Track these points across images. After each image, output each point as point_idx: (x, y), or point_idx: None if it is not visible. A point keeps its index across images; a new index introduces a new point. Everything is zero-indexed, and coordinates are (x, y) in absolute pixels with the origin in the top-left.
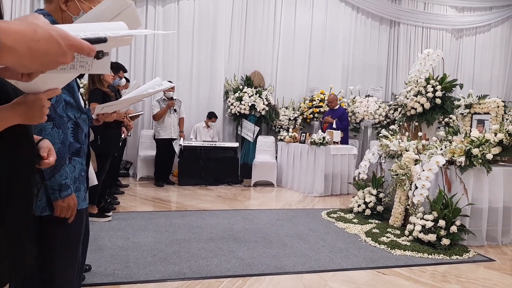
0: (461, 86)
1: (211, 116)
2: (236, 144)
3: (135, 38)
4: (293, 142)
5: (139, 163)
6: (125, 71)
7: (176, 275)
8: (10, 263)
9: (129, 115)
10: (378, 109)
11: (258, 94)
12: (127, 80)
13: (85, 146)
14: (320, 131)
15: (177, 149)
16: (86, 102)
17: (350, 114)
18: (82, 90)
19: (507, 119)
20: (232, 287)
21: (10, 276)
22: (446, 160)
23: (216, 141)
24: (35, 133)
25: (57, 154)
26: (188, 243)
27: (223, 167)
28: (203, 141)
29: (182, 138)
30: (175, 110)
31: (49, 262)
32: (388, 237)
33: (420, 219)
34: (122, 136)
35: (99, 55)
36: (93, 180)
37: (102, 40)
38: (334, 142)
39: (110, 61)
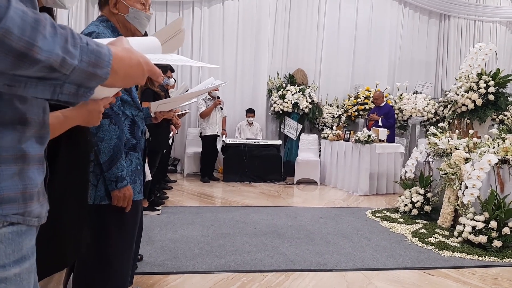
0: None
1: (248, 111)
2: (279, 142)
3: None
4: (337, 140)
5: (186, 159)
6: (172, 71)
7: (222, 268)
8: (73, 244)
9: (177, 114)
10: (426, 106)
11: (301, 92)
12: (174, 80)
13: (142, 142)
14: (365, 128)
15: (219, 146)
16: None
17: (397, 111)
18: None
19: None
20: (276, 282)
21: (74, 256)
22: (498, 159)
23: (259, 139)
24: (93, 130)
25: (114, 148)
26: (233, 237)
27: (266, 164)
28: (247, 138)
29: (224, 136)
30: (221, 108)
31: (107, 248)
32: (436, 238)
33: (471, 220)
34: (171, 134)
35: None
36: (148, 175)
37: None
38: (380, 140)
39: None
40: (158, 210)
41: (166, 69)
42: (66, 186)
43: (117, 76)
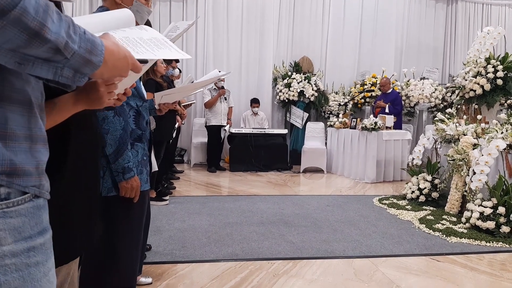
0: None
1: (253, 102)
2: (285, 131)
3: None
4: (343, 127)
5: (192, 150)
6: (177, 61)
7: (230, 256)
8: (82, 236)
9: (183, 104)
10: (434, 92)
11: (307, 80)
12: (179, 71)
13: (147, 133)
14: (372, 116)
15: (223, 134)
16: None
17: (404, 97)
18: None
19: None
20: (283, 269)
21: (83, 248)
22: (507, 144)
23: (265, 128)
24: (99, 122)
25: (119, 139)
26: (240, 226)
27: (272, 153)
28: (253, 128)
29: (229, 125)
30: (225, 98)
31: (115, 239)
32: (443, 224)
33: (478, 205)
34: (177, 124)
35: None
36: (154, 166)
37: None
38: (387, 127)
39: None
40: (166, 200)
41: (171, 59)
42: (76, 178)
43: (106, 67)
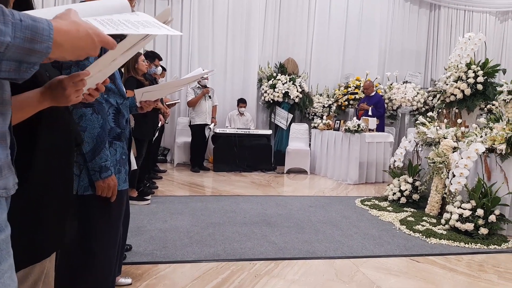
0: (504, 71)
1: (240, 102)
2: (269, 132)
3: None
4: (327, 129)
5: (176, 149)
6: (160, 59)
7: (211, 257)
8: (54, 235)
9: (167, 103)
10: (416, 96)
11: (291, 81)
12: (164, 69)
13: (126, 131)
14: (355, 118)
15: (207, 133)
16: None
17: (386, 101)
18: None
19: None
20: (265, 270)
21: (54, 247)
22: (486, 148)
23: (249, 129)
24: (76, 119)
25: (97, 138)
26: (223, 226)
27: (256, 154)
28: (237, 128)
29: (213, 124)
30: (209, 97)
31: (91, 239)
32: (423, 226)
33: (458, 207)
34: (160, 123)
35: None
36: (134, 164)
37: (123, 36)
38: (370, 130)
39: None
40: (147, 200)
41: (154, 57)
42: (48, 176)
43: (63, 49)
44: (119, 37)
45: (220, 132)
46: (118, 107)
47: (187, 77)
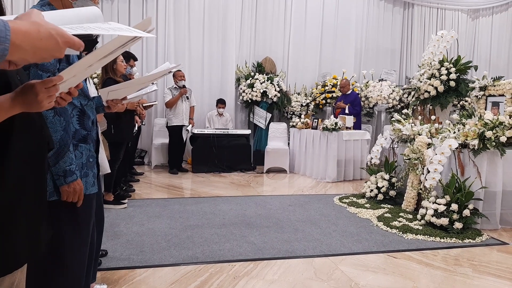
0: (476, 68)
1: (219, 102)
2: (248, 131)
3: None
4: (305, 128)
5: (153, 151)
6: (135, 59)
7: (190, 259)
8: (28, 244)
9: (143, 105)
10: (391, 93)
11: (269, 81)
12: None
13: (93, 133)
14: (332, 116)
15: (184, 135)
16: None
17: (363, 99)
18: (96, 80)
19: None
20: (244, 271)
21: (28, 256)
22: (459, 144)
23: (228, 129)
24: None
25: (60, 141)
26: (201, 228)
27: (235, 154)
28: (216, 128)
29: (191, 125)
30: (187, 98)
31: (59, 245)
32: (400, 222)
33: (433, 203)
34: (136, 125)
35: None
36: (106, 168)
37: (91, 36)
38: (347, 128)
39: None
40: (124, 203)
41: (129, 58)
42: (21, 182)
43: (23, 50)
44: (93, 44)
45: (199, 132)
46: (82, 109)
47: (154, 72)
